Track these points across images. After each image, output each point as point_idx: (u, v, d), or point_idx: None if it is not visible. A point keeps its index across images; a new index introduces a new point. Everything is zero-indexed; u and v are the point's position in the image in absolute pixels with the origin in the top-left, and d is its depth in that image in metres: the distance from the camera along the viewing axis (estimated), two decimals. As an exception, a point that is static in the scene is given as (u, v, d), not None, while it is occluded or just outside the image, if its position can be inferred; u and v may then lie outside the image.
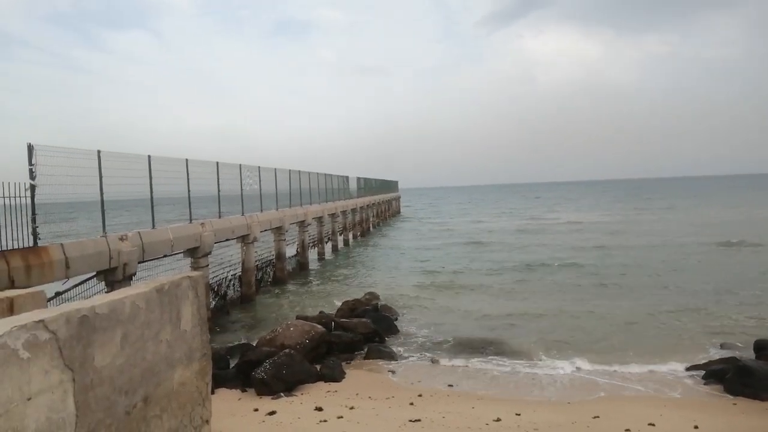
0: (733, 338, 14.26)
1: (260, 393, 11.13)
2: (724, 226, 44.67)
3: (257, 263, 23.41)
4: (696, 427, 8.70)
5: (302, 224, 29.01)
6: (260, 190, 23.55)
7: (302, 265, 28.89)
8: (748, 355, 12.56)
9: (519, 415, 9.40)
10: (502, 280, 24.24)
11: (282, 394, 10.98)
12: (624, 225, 50.20)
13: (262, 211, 23.27)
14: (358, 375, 12.62)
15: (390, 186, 74.19)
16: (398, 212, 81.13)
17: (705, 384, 11.42)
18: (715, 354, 13.10)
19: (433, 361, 13.50)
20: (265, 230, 23.53)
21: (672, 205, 76.46)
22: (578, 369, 12.55)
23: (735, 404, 10.21)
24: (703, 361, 12.48)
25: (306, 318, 15.51)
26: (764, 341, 13.17)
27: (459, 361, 13.44)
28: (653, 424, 8.82)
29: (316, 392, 11.18)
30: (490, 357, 13.63)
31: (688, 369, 12.28)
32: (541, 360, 13.27)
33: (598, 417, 9.27)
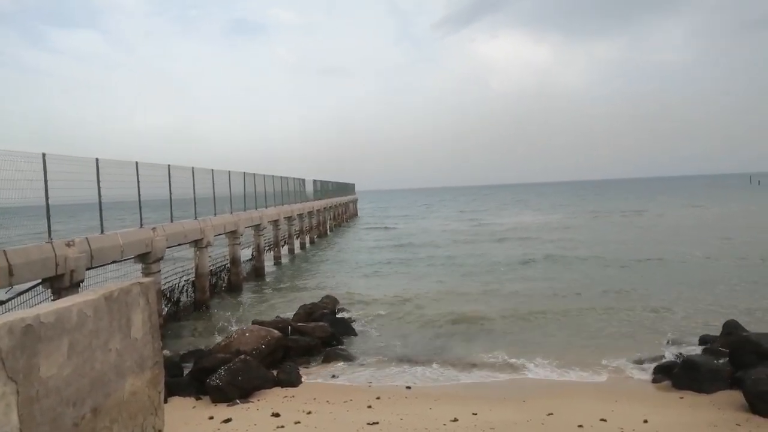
0: (680, 334, 14.72)
1: (215, 400, 10.93)
2: (673, 228, 46.29)
3: (211, 268, 23.01)
4: (645, 421, 8.98)
5: (258, 228, 28.65)
6: (214, 193, 23.16)
7: (258, 270, 28.54)
8: (695, 350, 13.03)
9: (476, 414, 9.52)
10: (458, 281, 24.49)
11: (238, 400, 10.81)
12: (577, 225, 51.52)
13: (216, 214, 22.88)
14: (316, 379, 12.55)
15: (347, 189, 74.10)
16: (356, 215, 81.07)
17: (654, 379, 11.77)
18: (664, 350, 13.48)
19: (392, 363, 13.53)
20: (220, 234, 23.15)
21: (629, 207, 78.61)
22: (533, 367, 12.78)
23: (682, 398, 10.56)
24: (652, 357, 12.85)
25: (262, 323, 15.32)
26: (709, 337, 13.72)
27: (417, 362, 13.51)
28: (605, 420, 9.06)
29: (273, 398, 11.05)
30: (447, 357, 13.74)
31: (637, 364, 12.65)
32: (497, 359, 13.44)
33: (552, 414, 9.47)
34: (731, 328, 13.41)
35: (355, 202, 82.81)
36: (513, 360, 13.21)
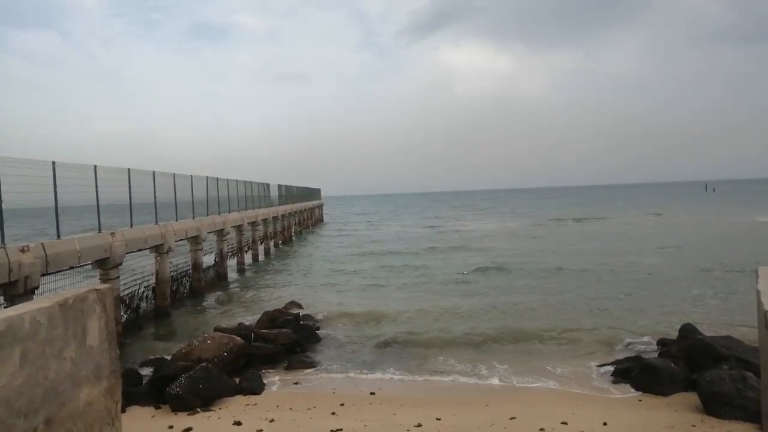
0: (639, 338, 15.04)
1: (175, 409, 10.70)
2: (634, 234, 47.41)
3: (173, 274, 22.57)
4: (605, 424, 9.14)
5: (221, 233, 28.26)
6: (176, 197, 22.75)
7: (221, 276, 28.13)
8: (653, 353, 13.34)
9: (439, 419, 9.54)
10: (418, 289, 24.55)
11: (199, 409, 10.61)
12: (541, 232, 52.34)
13: (177, 219, 22.48)
14: (279, 386, 12.42)
15: (312, 194, 73.69)
16: (321, 220, 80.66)
17: (614, 382, 11.99)
18: (623, 353, 13.77)
19: (356, 369, 13.49)
20: (181, 240, 22.75)
21: (588, 213, 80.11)
22: (496, 371, 12.89)
23: (640, 400, 10.80)
24: (612, 360, 13.09)
25: (224, 330, 15.09)
26: (666, 340, 14.06)
27: (382, 368, 13.50)
28: (566, 423, 9.19)
29: (235, 406, 10.89)
30: (411, 363, 13.74)
31: (598, 368, 12.87)
32: (460, 363, 13.52)
33: (514, 418, 9.56)
34: (687, 331, 13.76)
35: (320, 207, 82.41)
36: (476, 366, 13.29)
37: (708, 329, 14.57)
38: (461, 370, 13.16)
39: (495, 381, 12.39)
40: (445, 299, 21.28)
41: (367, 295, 22.99)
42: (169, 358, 13.64)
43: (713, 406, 9.50)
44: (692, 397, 10.25)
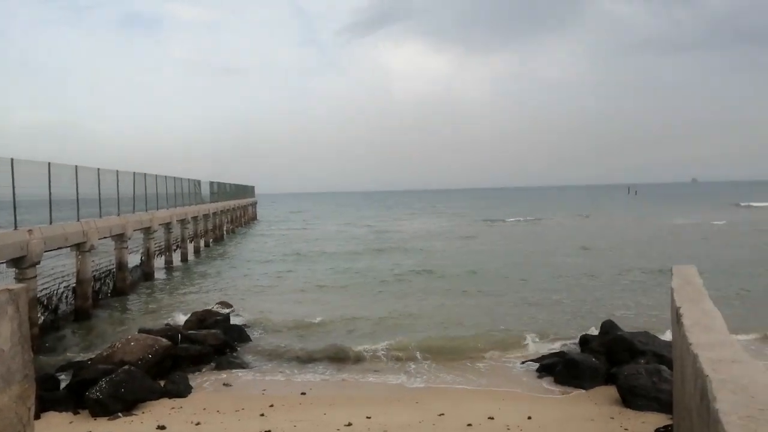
0: (563, 334, 15.55)
1: (95, 414, 10.23)
2: (563, 234, 49.06)
3: (95, 273, 21.59)
4: (529, 418, 9.40)
5: (148, 231, 27.27)
6: (100, 193, 21.77)
7: (147, 275, 27.14)
8: (576, 349, 13.83)
9: (370, 418, 9.55)
10: (353, 287, 24.55)
11: (120, 414, 10.18)
12: (475, 231, 53.41)
13: (101, 216, 21.51)
14: (207, 388, 12.09)
15: (246, 191, 72.32)
16: (254, 218, 79.28)
17: (539, 377, 12.35)
18: (548, 349, 14.18)
19: (287, 369, 13.32)
20: (105, 237, 21.80)
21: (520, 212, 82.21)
22: (426, 370, 13.02)
23: (564, 394, 11.19)
24: (537, 357, 13.47)
25: (149, 331, 14.54)
26: (588, 336, 14.57)
27: (313, 368, 13.40)
28: (492, 418, 9.40)
29: (160, 410, 10.52)
30: (342, 362, 13.69)
31: (523, 363, 13.23)
32: (390, 361, 13.58)
33: (443, 414, 9.69)
34: (608, 327, 14.32)
35: (254, 205, 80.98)
36: (406, 365, 13.37)
37: (627, 325, 15.24)
38: (391, 369, 13.20)
39: (424, 379, 12.50)
40: (377, 301, 21.29)
41: (299, 296, 22.75)
42: (89, 361, 13.03)
43: (630, 398, 9.95)
44: (612, 390, 10.69)
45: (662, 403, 9.35)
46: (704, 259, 27.80)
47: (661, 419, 8.95)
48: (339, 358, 13.98)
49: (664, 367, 10.24)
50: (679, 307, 4.81)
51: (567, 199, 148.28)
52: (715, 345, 3.36)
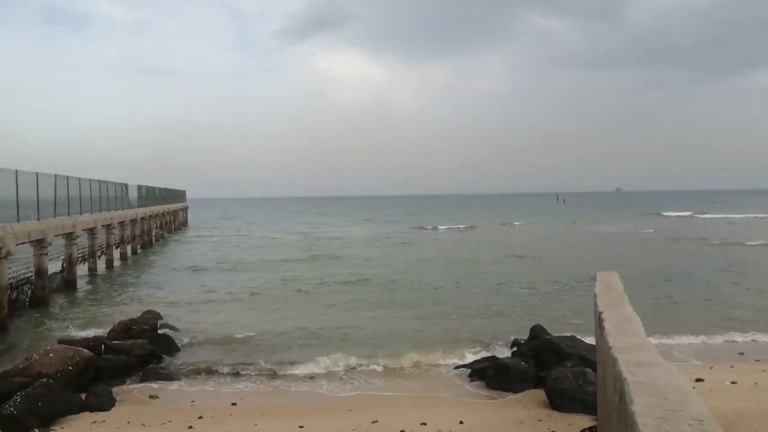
0: (495, 339, 15.87)
1: (8, 431, 9.63)
2: (496, 241, 50.18)
3: (11, 281, 20.39)
4: (461, 422, 9.53)
5: (70, 236, 26.02)
6: (17, 196, 20.60)
7: (69, 283, 25.87)
8: (506, 353, 14.15)
9: (302, 427, 9.43)
10: (286, 294, 24.23)
11: (36, 430, 9.62)
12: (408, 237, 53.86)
13: (18, 220, 20.36)
14: (131, 401, 11.61)
15: (177, 196, 70.26)
16: (185, 224, 77.13)
17: (471, 382, 12.55)
18: (480, 354, 14.42)
19: (218, 380, 12.98)
20: (23, 243, 20.63)
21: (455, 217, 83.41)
22: (359, 377, 12.99)
23: (494, 398, 11.39)
24: (469, 362, 13.70)
25: (70, 342, 13.86)
26: (518, 340, 14.96)
27: (244, 378, 13.11)
28: (425, 423, 9.46)
29: (80, 425, 10.02)
30: (275, 372, 13.46)
31: (456, 368, 13.42)
32: (324, 369, 13.46)
33: (377, 421, 9.68)
34: (537, 332, 14.75)
35: (185, 210, 78.79)
36: (339, 374, 13.30)
37: (555, 330, 15.74)
38: (325, 377, 13.08)
39: (358, 387, 12.46)
40: (312, 310, 20.90)
41: (230, 306, 22.19)
42: (2, 373, 12.26)
43: (558, 400, 10.25)
44: (540, 393, 10.96)
45: (587, 405, 9.66)
46: (629, 266, 29.13)
47: (586, 420, 9.25)
48: (271, 367, 13.75)
49: (589, 370, 10.59)
50: (602, 312, 5.00)
51: (498, 206, 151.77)
52: (633, 348, 3.51)
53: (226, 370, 13.63)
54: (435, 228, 67.60)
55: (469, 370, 13.08)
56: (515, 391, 11.59)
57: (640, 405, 2.43)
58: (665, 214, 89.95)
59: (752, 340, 15.67)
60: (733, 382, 10.99)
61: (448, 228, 66.97)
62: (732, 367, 12.47)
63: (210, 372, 13.50)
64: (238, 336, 16.78)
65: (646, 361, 3.14)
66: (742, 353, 14.34)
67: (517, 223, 72.92)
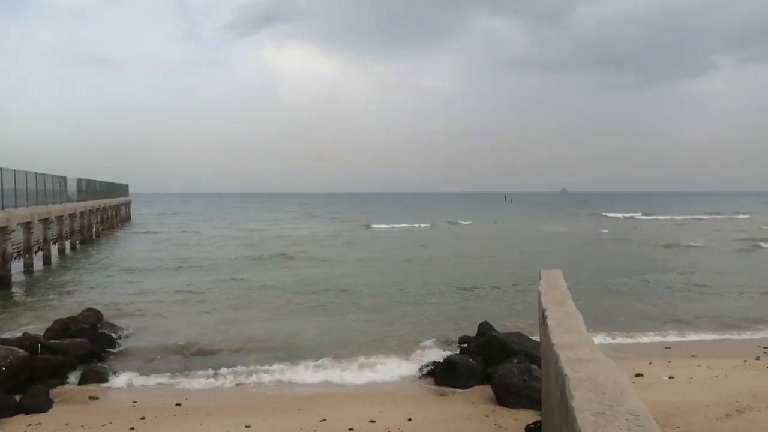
0: (444, 336, 16.03)
1: (-66, 437, 9.14)
2: (445, 240, 50.71)
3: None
4: (410, 419, 9.59)
5: (4, 231, 24.88)
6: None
7: (4, 280, 24.75)
8: (455, 350, 14.33)
9: (249, 427, 9.31)
10: (232, 294, 23.84)
11: (-34, 434, 9.17)
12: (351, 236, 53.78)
13: (-52, 215, 19.33)
14: (70, 402, 11.20)
15: (119, 189, 68.19)
16: (128, 219, 74.94)
17: (420, 379, 12.65)
18: (429, 351, 14.55)
19: (162, 379, 12.66)
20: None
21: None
22: (308, 376, 12.91)
23: (443, 395, 11.51)
24: (419, 358, 13.81)
25: (4, 341, 13.23)
26: (467, 337, 15.15)
27: (189, 377, 12.82)
28: (374, 421, 9.49)
29: (14, 428, 9.60)
30: (221, 370, 13.20)
31: (405, 366, 13.49)
32: (272, 369, 13.30)
33: (325, 420, 9.64)
34: (484, 329, 15.00)
35: (128, 204, 76.52)
36: (288, 372, 13.18)
37: (502, 326, 16.06)
38: (273, 375, 12.93)
39: (307, 385, 12.38)
40: (259, 311, 20.49)
41: (175, 305, 21.60)
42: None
43: (504, 396, 10.44)
44: (488, 390, 11.13)
45: (533, 400, 9.88)
46: (573, 264, 29.99)
47: (531, 416, 9.46)
48: (219, 366, 13.49)
49: (534, 366, 10.82)
50: (545, 309, 5.12)
51: (447, 205, 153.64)
52: (574, 345, 3.61)
53: (170, 369, 13.32)
54: (390, 226, 66.98)
55: (418, 367, 13.19)
56: (463, 388, 11.74)
57: (579, 400, 2.50)
58: (607, 214, 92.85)
59: (695, 339, 16.31)
60: (670, 377, 11.44)
61: (401, 226, 66.49)
62: (669, 362, 12.99)
63: (153, 372, 13.15)
64: (182, 336, 16.42)
65: (587, 357, 3.24)
66: (668, 348, 15.04)
67: (466, 223, 73.43)
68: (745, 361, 12.94)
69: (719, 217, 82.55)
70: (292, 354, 14.30)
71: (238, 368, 13.31)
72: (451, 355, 13.15)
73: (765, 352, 14.11)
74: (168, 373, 13.01)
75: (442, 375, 12.26)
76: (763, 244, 41.97)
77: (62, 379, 12.40)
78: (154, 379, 12.65)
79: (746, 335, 16.41)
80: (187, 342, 15.71)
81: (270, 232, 59.30)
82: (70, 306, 20.35)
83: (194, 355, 14.45)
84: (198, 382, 12.54)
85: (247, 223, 75.40)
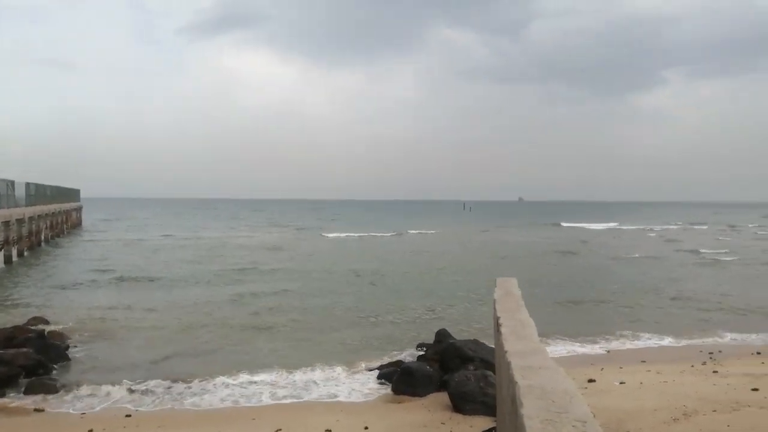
0: (402, 344, 16.07)
1: None
2: (406, 247, 50.80)
3: None
4: (366, 428, 9.56)
5: (-54, 237, 23.82)
6: None
7: (-56, 287, 23.67)
8: (412, 357, 14.35)
9: (202, 438, 9.11)
10: (185, 302, 23.33)
11: None
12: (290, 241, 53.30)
13: None
14: (14, 414, 10.78)
15: (70, 194, 66.08)
16: (79, 224, 72.72)
17: (377, 387, 12.60)
18: (387, 359, 14.54)
19: (112, 390, 12.26)
20: None
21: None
22: (263, 385, 12.71)
23: (400, 403, 11.50)
24: (376, 366, 13.79)
25: (-57, 352, 12.67)
26: (424, 344, 15.22)
27: (141, 387, 12.45)
28: (330, 430, 9.42)
29: (-49, 443, 9.17)
30: (174, 380, 12.88)
31: (363, 374, 13.46)
32: (227, 378, 13.05)
33: (280, 429, 9.53)
34: (442, 336, 15.06)
35: (79, 210, 74.27)
36: (242, 380, 12.98)
37: (460, 332, 16.20)
38: (225, 386, 12.65)
39: (262, 395, 12.17)
40: (212, 320, 19.88)
41: (126, 313, 21.04)
42: None
43: (460, 403, 10.52)
44: (444, 397, 11.19)
45: (488, 407, 9.97)
46: (530, 272, 30.53)
47: (487, 422, 9.55)
48: (171, 376, 13.17)
49: (490, 373, 10.93)
50: (499, 317, 5.19)
51: (406, 213, 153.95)
52: (526, 353, 3.66)
53: (119, 380, 12.91)
54: (349, 235, 66.17)
55: (376, 375, 13.17)
56: (420, 395, 11.75)
57: (528, 408, 2.54)
58: (563, 224, 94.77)
59: (645, 344, 16.74)
60: (621, 383, 11.73)
61: (356, 235, 65.42)
62: (621, 368, 13.32)
63: (103, 382, 12.73)
64: (132, 346, 15.96)
65: (537, 365, 3.29)
66: (620, 353, 15.46)
67: (415, 232, 71.49)
68: (692, 366, 13.38)
69: (674, 227, 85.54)
70: (246, 365, 14.00)
71: (190, 379, 12.98)
72: (408, 363, 13.17)
73: (711, 357, 14.62)
74: (117, 385, 12.60)
75: (399, 383, 12.25)
76: (704, 250, 43.60)
77: (6, 391, 11.90)
78: (103, 390, 12.25)
79: (695, 341, 16.97)
80: (138, 353, 15.29)
81: (223, 240, 57.54)
82: (15, 314, 19.58)
83: (145, 366, 14.06)
84: (149, 393, 12.21)
85: (199, 230, 72.80)
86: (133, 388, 12.43)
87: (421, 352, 14.66)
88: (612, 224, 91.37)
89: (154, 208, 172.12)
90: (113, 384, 12.62)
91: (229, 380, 12.95)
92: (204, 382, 12.81)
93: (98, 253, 41.91)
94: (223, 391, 12.37)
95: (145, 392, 12.22)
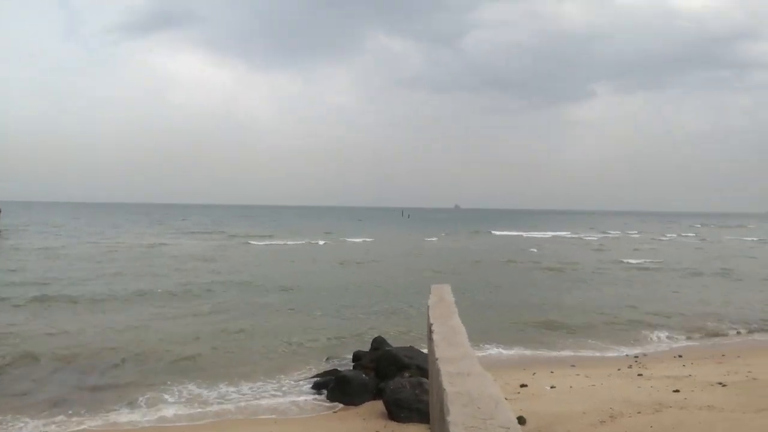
0: (338, 353, 15.90)
1: None
2: (344, 253, 50.53)
3: None
4: (300, 439, 9.39)
5: None
6: None
7: None
8: (348, 365, 14.24)
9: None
10: (113, 313, 22.40)
11: None
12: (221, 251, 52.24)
13: None
14: None
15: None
16: (-1, 231, 68.59)
17: (312, 396, 12.40)
18: (322, 368, 14.38)
19: (38, 412, 11.42)
20: None
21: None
22: (198, 400, 12.28)
23: (335, 412, 11.38)
24: (311, 376, 13.61)
25: None
26: (360, 352, 15.11)
27: (72, 409, 11.63)
28: (265, 442, 9.20)
29: None
30: (105, 402, 12.16)
31: (297, 384, 13.24)
32: (158, 394, 12.52)
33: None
34: (378, 343, 15.03)
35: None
36: (177, 387, 12.60)
37: (397, 339, 16.20)
38: (173, 399, 12.17)
39: (198, 410, 11.69)
40: (144, 335, 18.69)
41: (55, 320, 19.99)
42: None
43: (396, 411, 10.50)
44: (380, 405, 11.14)
45: (423, 414, 9.96)
46: (464, 278, 30.95)
47: (421, 429, 9.58)
48: (108, 392, 12.48)
49: (425, 380, 10.94)
50: (432, 324, 5.20)
51: (344, 219, 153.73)
52: (456, 359, 3.67)
53: (50, 399, 12.07)
54: (270, 243, 63.79)
55: (311, 384, 12.99)
56: (356, 404, 11.68)
57: (454, 414, 2.53)
58: (495, 232, 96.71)
59: (575, 349, 17.28)
60: (552, 387, 12.02)
61: (295, 243, 63.68)
62: (552, 372, 13.67)
63: (29, 402, 11.95)
64: (66, 359, 15.07)
65: (465, 371, 3.29)
66: (551, 358, 15.89)
67: (371, 239, 70.56)
68: (618, 369, 13.90)
69: (610, 235, 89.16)
70: (180, 378, 13.48)
71: (125, 399, 12.12)
72: (343, 372, 13.06)
73: (636, 361, 15.23)
74: (47, 404, 11.76)
75: (335, 392, 12.13)
76: (630, 260, 45.60)
77: None
78: (28, 412, 11.47)
79: (621, 345, 17.65)
80: (69, 367, 14.46)
81: (144, 248, 53.59)
82: None
83: (77, 383, 13.28)
84: (82, 412, 11.50)
85: (123, 236, 68.04)
86: (65, 409, 11.60)
87: (357, 361, 14.57)
88: (544, 232, 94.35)
89: (82, 213, 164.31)
90: (42, 403, 11.85)
91: (162, 396, 12.34)
92: (138, 403, 12.02)
93: (19, 263, 39.45)
94: (165, 405, 11.79)
95: (72, 415, 11.35)
